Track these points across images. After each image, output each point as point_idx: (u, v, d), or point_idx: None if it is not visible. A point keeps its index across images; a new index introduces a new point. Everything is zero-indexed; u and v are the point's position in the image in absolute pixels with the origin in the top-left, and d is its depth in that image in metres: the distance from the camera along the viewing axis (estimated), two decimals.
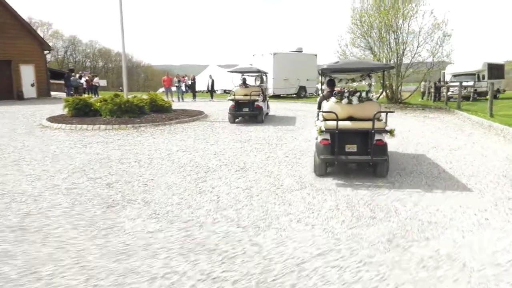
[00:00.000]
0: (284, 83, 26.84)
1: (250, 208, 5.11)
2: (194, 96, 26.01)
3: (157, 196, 5.67)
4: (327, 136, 6.42)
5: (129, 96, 15.53)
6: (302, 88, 28.12)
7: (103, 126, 12.37)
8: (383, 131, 6.30)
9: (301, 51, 28.69)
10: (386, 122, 6.52)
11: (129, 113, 13.64)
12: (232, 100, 13.48)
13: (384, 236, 4.23)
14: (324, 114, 6.68)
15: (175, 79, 24.31)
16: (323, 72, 7.69)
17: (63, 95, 25.97)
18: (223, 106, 20.46)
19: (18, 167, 7.39)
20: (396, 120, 14.45)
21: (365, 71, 8.07)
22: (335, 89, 8.31)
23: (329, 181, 6.35)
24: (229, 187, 6.10)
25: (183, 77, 30.41)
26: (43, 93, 25.39)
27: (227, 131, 11.91)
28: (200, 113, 15.85)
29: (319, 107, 7.46)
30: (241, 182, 6.33)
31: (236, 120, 13.74)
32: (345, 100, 6.81)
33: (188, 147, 9.35)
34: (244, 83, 14.70)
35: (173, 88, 25.16)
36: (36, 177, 6.68)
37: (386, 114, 6.57)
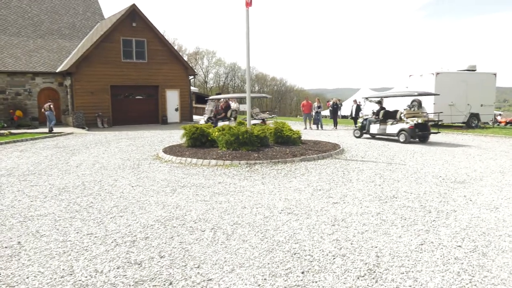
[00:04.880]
0: (450, 109, 21.60)
1: None
2: (335, 123, 22.47)
3: None
4: (412, 125, 14.53)
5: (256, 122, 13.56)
6: (474, 116, 22.19)
7: (213, 161, 10.40)
8: (431, 121, 15.10)
9: (474, 70, 22.97)
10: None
11: (247, 146, 11.47)
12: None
13: None
14: (407, 115, 15.00)
15: (315, 104, 21.50)
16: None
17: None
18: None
19: (72, 221, 5.62)
20: None
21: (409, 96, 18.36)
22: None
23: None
24: None
25: (327, 101, 27.76)
26: (186, 118, 25.60)
27: (365, 177, 8.62)
28: (335, 146, 12.77)
29: (377, 114, 16.06)
30: None
31: None
32: (413, 109, 17.40)
33: (299, 205, 6.47)
34: None
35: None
36: (58, 254, 4.70)
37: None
